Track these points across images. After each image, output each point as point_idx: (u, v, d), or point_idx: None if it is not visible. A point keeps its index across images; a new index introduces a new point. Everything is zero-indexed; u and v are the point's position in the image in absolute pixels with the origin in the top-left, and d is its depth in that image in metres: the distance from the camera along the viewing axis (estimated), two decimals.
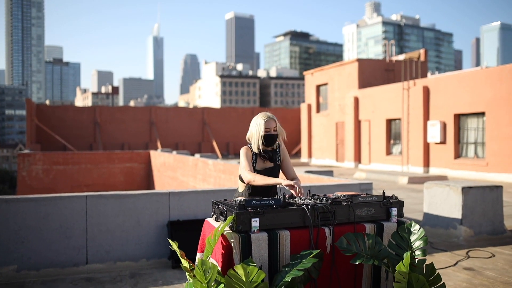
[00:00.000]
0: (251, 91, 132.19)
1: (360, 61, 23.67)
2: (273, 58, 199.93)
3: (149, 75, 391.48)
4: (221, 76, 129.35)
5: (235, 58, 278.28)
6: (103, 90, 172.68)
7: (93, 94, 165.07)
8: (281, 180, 3.38)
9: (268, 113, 3.65)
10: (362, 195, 3.33)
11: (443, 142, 18.80)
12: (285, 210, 2.98)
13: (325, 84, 26.56)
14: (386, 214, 3.23)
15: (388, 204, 3.22)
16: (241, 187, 3.66)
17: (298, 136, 36.63)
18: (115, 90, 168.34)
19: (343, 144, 24.54)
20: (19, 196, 5.55)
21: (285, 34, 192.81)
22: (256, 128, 3.58)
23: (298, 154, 36.79)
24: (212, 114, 40.43)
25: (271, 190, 3.67)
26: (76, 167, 24.04)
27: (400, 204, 3.26)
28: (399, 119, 21.17)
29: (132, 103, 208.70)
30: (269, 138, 3.57)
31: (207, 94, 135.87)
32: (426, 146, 19.67)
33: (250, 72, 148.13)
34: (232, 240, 2.84)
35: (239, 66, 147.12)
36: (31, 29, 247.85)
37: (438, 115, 19.02)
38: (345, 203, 3.12)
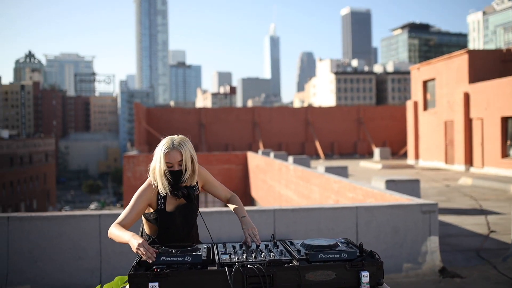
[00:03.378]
0: (367, 88, 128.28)
1: (470, 52, 21.21)
2: (390, 53, 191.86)
3: (266, 74, 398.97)
4: (336, 73, 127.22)
5: (351, 54, 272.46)
6: (221, 90, 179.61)
7: (212, 94, 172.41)
8: (132, 240, 2.41)
9: (175, 139, 2.72)
10: (336, 248, 2.46)
11: None
12: (200, 272, 2.22)
13: (433, 79, 24.33)
14: (357, 280, 2.32)
15: (357, 267, 2.30)
16: (147, 227, 2.88)
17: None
18: (233, 90, 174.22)
19: (453, 145, 22.23)
20: (33, 214, 5.37)
21: (403, 27, 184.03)
22: (157, 163, 2.70)
23: (406, 155, 34.48)
24: (316, 113, 39.46)
25: (191, 232, 2.89)
26: None
27: (377, 266, 2.32)
28: None
29: (250, 103, 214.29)
30: (174, 176, 2.71)
31: (322, 91, 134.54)
32: None
33: (366, 68, 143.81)
34: None
35: (354, 62, 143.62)
36: (157, 36, 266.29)
37: None
38: (289, 265, 2.28)
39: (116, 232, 2.56)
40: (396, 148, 36.49)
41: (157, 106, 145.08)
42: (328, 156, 36.37)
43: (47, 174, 71.90)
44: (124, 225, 2.63)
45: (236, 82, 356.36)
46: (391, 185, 9.84)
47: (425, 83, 25.27)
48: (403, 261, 5.70)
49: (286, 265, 2.27)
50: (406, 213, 5.74)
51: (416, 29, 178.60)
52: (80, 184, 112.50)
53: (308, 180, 11.45)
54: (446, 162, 22.92)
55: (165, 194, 2.73)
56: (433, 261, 5.77)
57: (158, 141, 2.74)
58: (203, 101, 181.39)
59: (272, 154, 22.61)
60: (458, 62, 21.66)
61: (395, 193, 7.50)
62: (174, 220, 2.76)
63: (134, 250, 2.36)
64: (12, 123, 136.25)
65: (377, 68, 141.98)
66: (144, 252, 2.32)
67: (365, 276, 2.28)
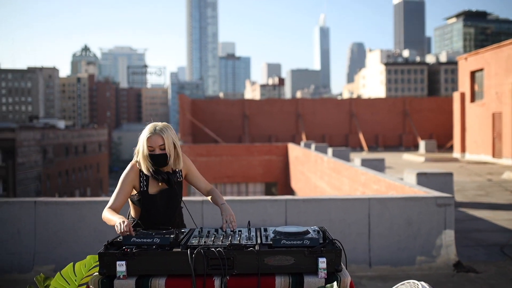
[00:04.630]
0: (418, 79, 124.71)
1: None
2: (444, 42, 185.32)
3: (316, 65, 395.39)
4: (386, 64, 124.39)
5: (403, 44, 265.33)
6: (270, 82, 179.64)
7: (261, 86, 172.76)
8: (118, 221, 2.61)
9: (158, 125, 2.90)
10: (308, 235, 2.56)
11: None
12: (165, 253, 2.38)
13: (481, 69, 23.45)
14: (315, 266, 2.40)
15: (316, 253, 2.39)
16: (132, 211, 3.06)
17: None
18: (281, 81, 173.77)
19: (501, 138, 21.41)
20: (57, 199, 5.72)
21: (457, 15, 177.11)
22: (140, 147, 2.91)
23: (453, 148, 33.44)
24: (361, 105, 38.88)
25: (173, 217, 3.03)
26: (218, 158, 25.13)
27: (336, 253, 2.40)
28: None
29: (299, 94, 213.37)
30: (155, 159, 2.89)
31: (371, 83, 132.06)
32: None
33: (418, 59, 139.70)
34: (90, 286, 2.35)
35: (405, 53, 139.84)
36: (207, 28, 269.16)
37: None
38: (249, 249, 2.39)
39: (107, 216, 2.77)
40: (443, 141, 35.44)
41: (206, 97, 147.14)
42: (372, 148, 35.82)
43: (100, 163, 74.56)
44: (115, 208, 2.83)
45: (285, 73, 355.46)
46: (422, 178, 9.69)
47: (472, 73, 24.41)
48: (416, 254, 5.67)
49: (246, 249, 2.39)
50: (421, 206, 5.70)
51: (472, 17, 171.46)
52: None
53: (339, 172, 11.43)
54: (494, 155, 22.11)
55: (148, 176, 2.90)
56: (447, 254, 5.70)
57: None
58: (251, 93, 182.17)
59: (313, 146, 22.56)
60: (508, 52, 20.79)
61: (418, 186, 7.42)
62: (155, 203, 2.93)
63: (116, 226, 2.58)
64: (69, 114, 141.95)
65: (430, 59, 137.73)
66: (120, 228, 2.53)
67: (322, 262, 2.36)
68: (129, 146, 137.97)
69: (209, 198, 3.12)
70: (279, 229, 2.68)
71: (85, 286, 2.41)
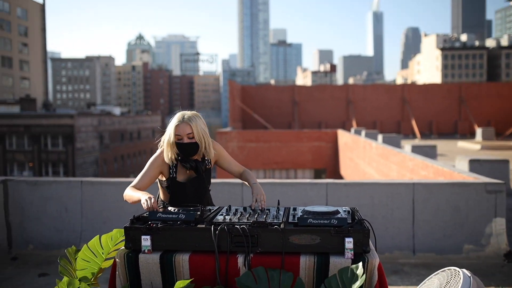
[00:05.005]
0: (477, 64, 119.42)
1: None
2: (506, 25, 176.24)
3: (369, 51, 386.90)
4: (442, 49, 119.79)
5: (461, 28, 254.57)
6: (321, 68, 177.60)
7: (312, 72, 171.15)
8: (143, 197, 2.64)
9: (186, 114, 2.88)
10: (337, 215, 2.48)
11: None
12: (189, 229, 2.37)
13: None
14: (342, 246, 2.32)
15: (343, 233, 2.30)
16: (162, 194, 3.07)
17: None
18: (333, 68, 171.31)
19: None
20: (102, 179, 5.87)
21: None
22: (167, 135, 2.88)
23: None
24: (414, 90, 37.66)
25: (202, 201, 3.01)
26: (267, 145, 25.14)
27: (364, 234, 2.31)
28: None
29: (351, 81, 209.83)
30: (183, 148, 2.86)
31: (427, 68, 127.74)
32: None
33: (476, 43, 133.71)
34: (117, 260, 2.38)
35: (463, 37, 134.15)
36: (258, 15, 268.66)
37: None
38: (273, 227, 2.34)
39: (130, 193, 2.80)
40: (502, 128, 33.86)
41: (257, 84, 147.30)
42: (425, 135, 34.72)
43: (154, 149, 75.28)
44: (138, 189, 2.86)
45: (337, 60, 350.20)
46: (475, 165, 9.29)
47: None
48: (463, 242, 5.44)
49: (270, 227, 2.34)
50: (469, 192, 5.44)
51: None
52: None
53: (387, 157, 11.14)
54: None
55: (174, 164, 2.90)
56: (498, 244, 5.43)
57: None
58: (303, 80, 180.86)
59: (363, 133, 22.14)
60: None
61: (468, 173, 7.11)
62: (184, 190, 2.94)
63: (142, 202, 2.59)
64: (124, 101, 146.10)
65: (490, 43, 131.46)
66: (147, 204, 2.55)
67: (348, 242, 2.28)
68: None
69: (243, 179, 3.09)
70: (308, 208, 2.61)
71: (113, 259, 2.44)
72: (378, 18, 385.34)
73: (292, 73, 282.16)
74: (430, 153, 13.29)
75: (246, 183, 3.06)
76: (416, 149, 12.97)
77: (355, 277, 2.10)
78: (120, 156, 63.96)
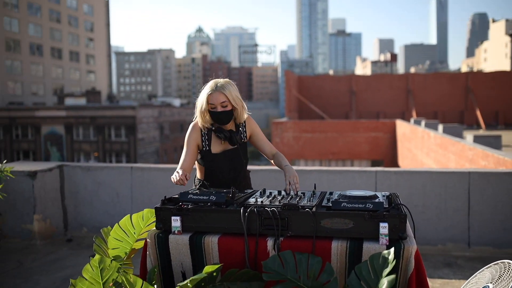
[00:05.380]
0: None
1: None
2: None
3: (432, 39, 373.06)
4: None
5: None
6: (381, 58, 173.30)
7: (372, 62, 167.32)
8: (173, 175, 2.64)
9: (219, 82, 2.82)
10: (374, 199, 2.36)
11: None
12: (219, 210, 2.33)
13: None
14: (377, 232, 2.21)
15: (377, 217, 2.19)
16: (198, 172, 3.02)
17: None
18: (394, 57, 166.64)
19: None
20: (151, 166, 5.98)
21: None
22: (199, 104, 2.85)
23: None
24: (479, 79, 35.83)
25: (238, 177, 2.94)
26: (323, 135, 24.84)
27: (400, 219, 2.18)
28: None
29: (412, 70, 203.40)
30: (217, 117, 2.80)
31: (494, 56, 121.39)
32: None
33: None
34: (148, 240, 2.39)
35: None
36: (317, 5, 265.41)
37: None
38: (304, 210, 2.26)
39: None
40: None
41: (316, 75, 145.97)
42: (491, 126, 33.03)
43: None
44: (184, 169, 2.83)
45: (398, 49, 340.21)
46: None
47: None
48: None
49: (302, 210, 2.26)
50: None
51: None
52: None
53: (446, 147, 10.68)
54: None
55: (210, 135, 2.86)
56: None
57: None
58: (362, 70, 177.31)
59: (423, 123, 21.37)
60: None
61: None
62: (218, 163, 2.88)
63: (172, 177, 2.63)
64: (184, 93, 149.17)
65: None
66: (175, 177, 2.57)
67: (383, 228, 2.17)
68: None
69: (274, 162, 3.01)
70: (345, 192, 2.51)
71: (144, 240, 2.45)
72: (442, 4, 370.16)
73: (351, 63, 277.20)
74: (494, 143, 12.60)
75: (273, 163, 3.00)
76: (478, 139, 12.33)
77: (386, 264, 1.99)
78: (179, 146, 65.45)
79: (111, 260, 2.30)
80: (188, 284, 2.09)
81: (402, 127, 21.18)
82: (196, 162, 2.97)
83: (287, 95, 31.33)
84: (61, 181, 5.95)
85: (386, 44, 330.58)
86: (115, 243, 2.37)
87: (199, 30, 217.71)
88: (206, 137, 2.88)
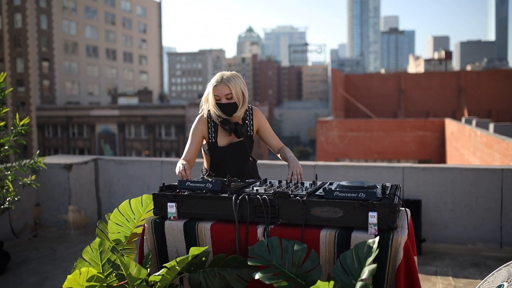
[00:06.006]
0: None
1: None
2: None
3: (490, 36, 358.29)
4: None
5: None
6: (435, 56, 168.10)
7: (425, 60, 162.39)
8: (179, 164, 2.71)
9: (225, 74, 2.84)
10: (371, 190, 2.34)
11: None
12: (212, 197, 2.38)
13: None
14: (366, 221, 2.19)
15: (367, 207, 2.17)
16: (205, 162, 3.06)
17: None
18: (448, 55, 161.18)
19: None
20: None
21: None
22: (205, 94, 2.88)
23: None
24: None
25: (243, 169, 2.96)
26: (368, 134, 24.45)
27: (390, 208, 2.14)
28: None
29: (468, 68, 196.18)
30: (221, 109, 2.83)
31: None
32: None
33: None
34: (145, 225, 2.47)
35: None
36: (368, 2, 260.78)
37: None
38: (295, 198, 2.27)
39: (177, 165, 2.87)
40: None
41: (364, 74, 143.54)
42: None
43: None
44: (188, 160, 2.90)
45: (453, 46, 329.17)
46: None
47: None
48: None
49: (292, 198, 2.27)
50: None
51: None
52: (292, 150, 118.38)
53: (491, 146, 10.27)
54: None
55: (217, 127, 2.91)
56: None
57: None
58: (415, 68, 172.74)
59: (474, 122, 20.61)
60: None
61: None
62: (224, 155, 2.93)
63: (176, 169, 2.70)
64: None
65: None
66: (178, 169, 2.64)
67: (372, 217, 2.14)
68: (290, 123, 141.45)
69: (279, 155, 3.03)
70: (344, 183, 2.50)
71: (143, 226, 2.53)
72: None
73: (403, 61, 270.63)
74: None
75: (280, 157, 3.01)
76: None
77: (370, 253, 1.97)
78: None
79: (110, 244, 2.40)
80: (177, 267, 2.15)
81: (451, 126, 20.52)
82: (203, 152, 3.03)
83: (333, 93, 31.03)
84: (96, 174, 6.18)
85: (441, 42, 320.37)
86: (115, 227, 2.47)
87: (250, 30, 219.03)
88: (213, 129, 2.93)
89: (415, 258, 2.46)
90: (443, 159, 22.46)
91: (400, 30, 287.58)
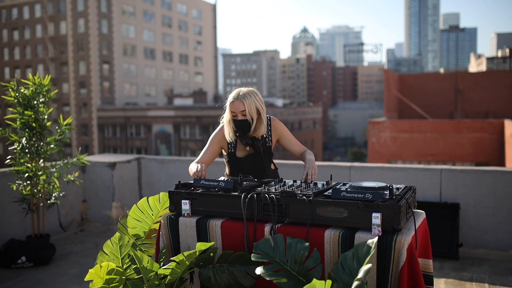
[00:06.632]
0: None
1: None
2: None
3: None
4: None
5: None
6: (499, 54, 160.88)
7: (488, 59, 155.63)
8: (193, 165, 2.83)
9: (242, 91, 2.90)
10: (381, 190, 2.35)
11: None
12: (223, 196, 2.47)
13: None
14: (371, 221, 2.20)
15: (371, 207, 2.18)
16: (227, 169, 3.14)
17: None
18: None
19: None
20: (218, 159, 6.23)
21: None
22: (225, 112, 2.96)
23: None
24: None
25: (261, 172, 3.00)
26: (421, 135, 23.76)
27: (394, 210, 2.14)
28: None
29: None
30: (237, 125, 2.91)
31: None
32: None
33: None
34: (162, 221, 2.59)
35: None
36: (427, 0, 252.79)
37: None
38: (301, 197, 2.31)
39: (191, 167, 2.97)
40: None
41: (419, 73, 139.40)
42: None
43: (315, 139, 77.67)
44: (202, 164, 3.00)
45: None
46: None
47: None
48: None
49: (299, 197, 2.31)
50: None
51: None
52: (346, 151, 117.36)
53: None
54: None
55: (231, 140, 3.00)
56: None
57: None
58: (476, 67, 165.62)
59: None
60: None
61: None
62: (242, 166, 3.04)
63: (192, 168, 2.83)
64: (289, 93, 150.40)
65: None
66: (196, 168, 2.75)
67: (375, 218, 2.15)
68: (344, 124, 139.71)
69: (302, 160, 3.07)
70: (356, 183, 2.52)
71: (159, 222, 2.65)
72: None
73: (464, 60, 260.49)
74: None
75: (302, 160, 3.05)
76: None
77: (368, 253, 1.98)
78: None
79: (129, 239, 2.53)
80: (186, 261, 2.24)
81: (511, 128, 19.62)
82: (224, 160, 3.13)
83: (386, 94, 30.36)
84: (138, 173, 6.43)
85: (505, 39, 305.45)
86: (134, 222, 2.60)
87: (304, 30, 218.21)
88: (233, 140, 3.02)
89: (430, 261, 2.44)
90: (501, 162, 21.48)
91: (461, 27, 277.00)
